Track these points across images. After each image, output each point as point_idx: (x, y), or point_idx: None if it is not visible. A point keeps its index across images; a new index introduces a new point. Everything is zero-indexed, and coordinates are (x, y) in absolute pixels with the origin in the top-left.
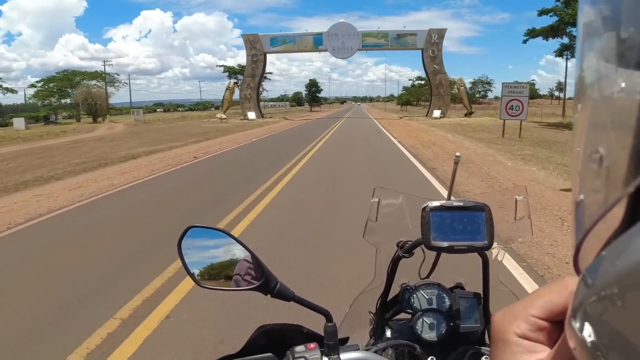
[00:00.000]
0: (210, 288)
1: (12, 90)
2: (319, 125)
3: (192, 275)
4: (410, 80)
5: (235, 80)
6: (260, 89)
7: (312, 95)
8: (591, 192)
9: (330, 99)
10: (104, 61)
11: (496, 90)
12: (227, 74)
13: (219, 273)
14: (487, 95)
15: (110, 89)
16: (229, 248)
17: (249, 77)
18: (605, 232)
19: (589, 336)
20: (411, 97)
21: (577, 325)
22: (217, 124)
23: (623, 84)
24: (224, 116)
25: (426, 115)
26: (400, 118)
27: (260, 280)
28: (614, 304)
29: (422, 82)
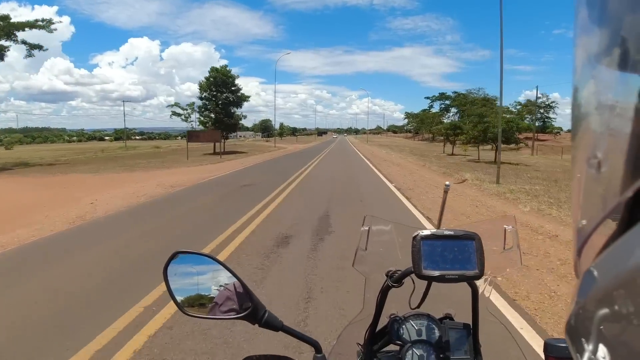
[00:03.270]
0: (194, 316)
1: None
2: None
3: (176, 302)
4: (429, 98)
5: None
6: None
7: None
8: (590, 199)
9: (310, 130)
10: None
11: (560, 118)
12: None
13: (206, 300)
14: (549, 123)
15: None
16: (216, 274)
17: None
18: (602, 238)
19: (596, 344)
20: (424, 125)
21: (579, 333)
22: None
23: (619, 89)
24: None
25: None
26: (462, 182)
27: (248, 308)
28: (613, 307)
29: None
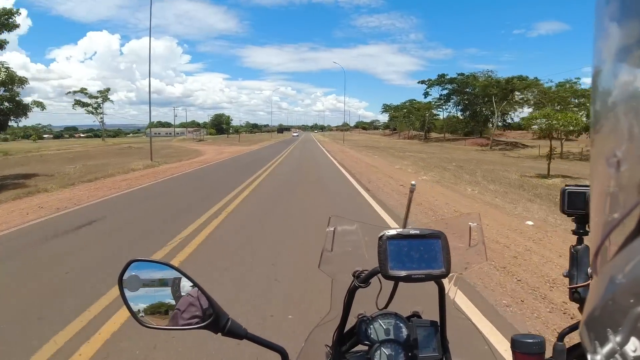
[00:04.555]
0: (154, 327)
1: None
2: None
3: (133, 314)
4: (424, 82)
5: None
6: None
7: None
8: (609, 197)
9: (273, 126)
10: None
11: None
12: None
13: (165, 310)
14: None
15: None
16: (175, 282)
17: None
18: (621, 237)
19: (628, 347)
20: (403, 122)
21: (602, 333)
22: None
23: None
24: None
25: None
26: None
27: (210, 317)
28: (633, 306)
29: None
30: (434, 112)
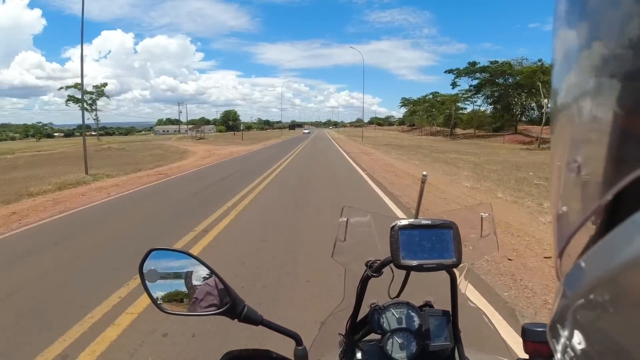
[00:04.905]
0: (173, 313)
1: None
2: None
3: (154, 300)
4: (452, 72)
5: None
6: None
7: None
8: (571, 202)
9: (285, 123)
10: None
11: None
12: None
13: (183, 297)
14: None
15: None
16: (194, 271)
17: None
18: (583, 240)
19: (579, 344)
20: (424, 117)
21: (562, 333)
22: None
23: (597, 90)
24: None
25: None
26: None
27: (227, 304)
28: (596, 308)
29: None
30: (460, 105)
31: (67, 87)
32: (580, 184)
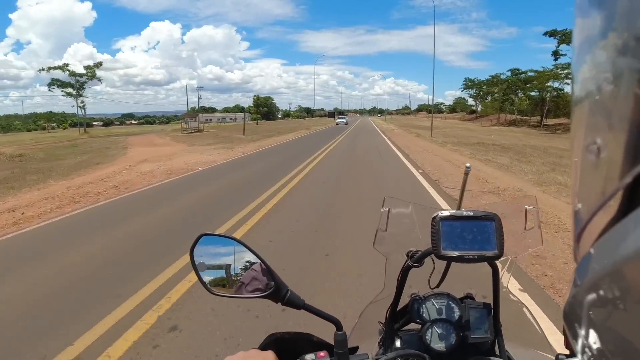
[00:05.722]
0: (221, 295)
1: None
2: None
3: (203, 282)
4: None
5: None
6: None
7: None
8: (589, 184)
9: (328, 110)
10: None
11: None
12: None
13: (230, 280)
14: None
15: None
16: (241, 256)
17: None
18: (600, 225)
19: (594, 342)
20: (498, 103)
21: (573, 327)
22: None
23: (619, 80)
24: None
25: None
26: None
27: (272, 288)
28: (606, 298)
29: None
30: (556, 85)
31: (50, 69)
32: (599, 166)
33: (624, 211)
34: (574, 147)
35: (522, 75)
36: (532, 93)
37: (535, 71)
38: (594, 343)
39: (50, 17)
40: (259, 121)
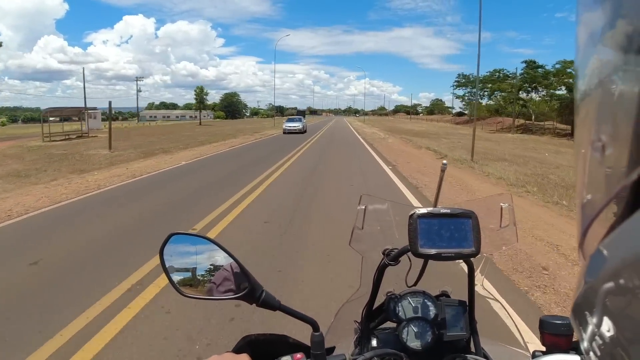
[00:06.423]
0: (192, 297)
1: None
2: None
3: (173, 283)
4: None
5: None
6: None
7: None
8: (594, 182)
9: (301, 110)
10: None
11: None
12: None
13: (202, 281)
14: None
15: None
16: (212, 255)
17: None
18: (607, 222)
19: (607, 330)
20: (506, 103)
21: (583, 316)
22: None
23: (621, 71)
24: None
25: None
26: None
27: (245, 288)
28: (622, 291)
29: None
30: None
31: None
32: (605, 163)
33: (632, 206)
34: (578, 144)
35: (541, 70)
36: (558, 91)
37: (563, 61)
38: (608, 331)
39: (21, 8)
40: (214, 119)
